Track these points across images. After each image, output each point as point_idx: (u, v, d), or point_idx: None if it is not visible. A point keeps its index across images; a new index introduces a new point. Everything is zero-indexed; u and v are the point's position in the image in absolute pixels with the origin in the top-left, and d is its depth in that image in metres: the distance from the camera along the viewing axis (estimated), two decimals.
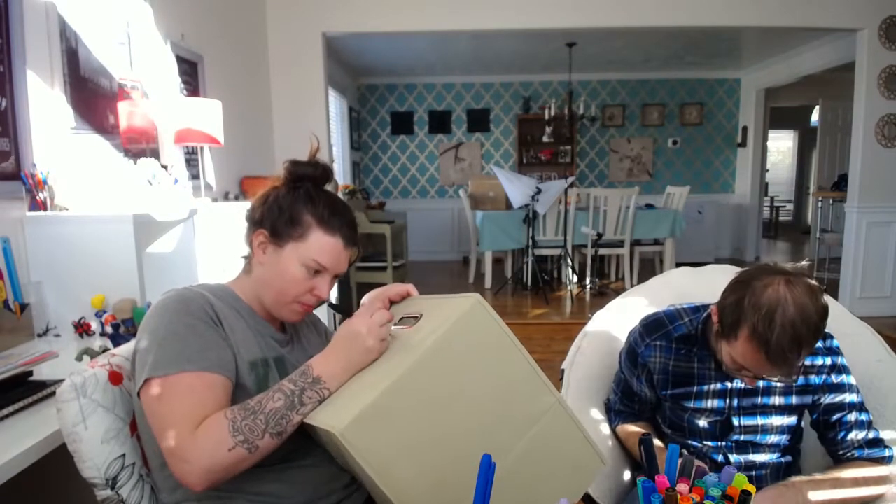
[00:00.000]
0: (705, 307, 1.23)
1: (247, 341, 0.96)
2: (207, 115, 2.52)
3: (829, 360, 1.16)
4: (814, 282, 1.01)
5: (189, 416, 0.82)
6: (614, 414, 1.33)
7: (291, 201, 0.98)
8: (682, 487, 0.73)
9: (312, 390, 0.85)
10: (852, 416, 1.14)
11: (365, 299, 1.03)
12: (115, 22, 2.26)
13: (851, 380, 1.16)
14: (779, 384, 1.15)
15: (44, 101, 1.83)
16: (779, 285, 0.99)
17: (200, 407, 0.83)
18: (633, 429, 1.29)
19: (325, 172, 1.03)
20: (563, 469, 0.91)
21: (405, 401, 0.81)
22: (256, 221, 1.00)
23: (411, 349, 0.85)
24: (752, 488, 0.74)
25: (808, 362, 1.15)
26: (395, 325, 0.93)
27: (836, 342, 1.18)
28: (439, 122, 7.36)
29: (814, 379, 1.16)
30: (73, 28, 1.99)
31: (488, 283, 5.40)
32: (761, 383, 1.16)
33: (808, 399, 1.17)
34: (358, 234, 1.04)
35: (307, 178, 1.01)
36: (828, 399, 1.16)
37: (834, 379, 1.16)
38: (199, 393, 0.84)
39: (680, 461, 0.83)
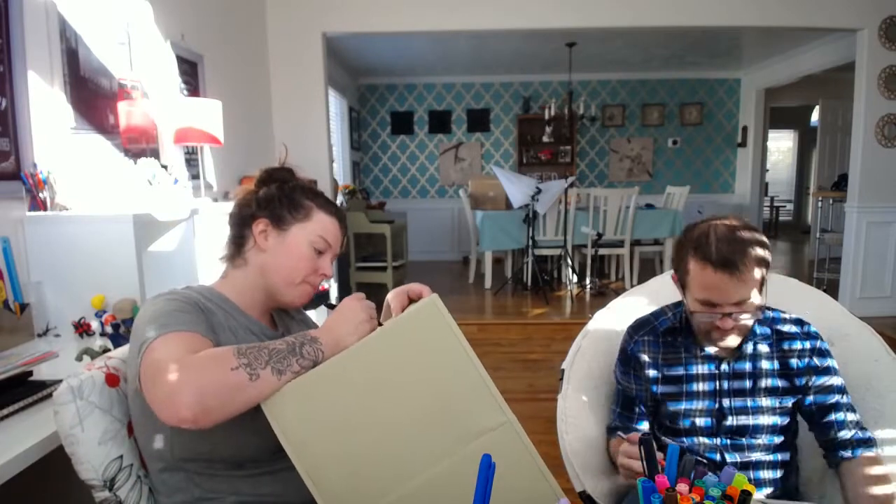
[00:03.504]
0: None
1: (238, 335, 0.97)
2: (207, 114, 2.52)
3: (808, 344, 1.18)
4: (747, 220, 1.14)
5: (176, 355, 0.78)
6: (610, 431, 1.30)
7: (288, 191, 1.05)
8: (682, 487, 0.73)
9: (311, 346, 0.86)
10: (842, 415, 1.17)
11: (389, 297, 1.03)
12: (115, 22, 2.26)
13: (838, 380, 1.18)
14: (765, 383, 1.16)
15: (44, 101, 1.83)
16: (709, 221, 1.13)
17: (197, 344, 0.83)
18: (621, 437, 1.26)
19: (295, 175, 1.13)
20: (507, 495, 0.84)
21: (335, 383, 0.83)
22: (251, 215, 1.04)
23: (365, 339, 0.88)
24: (752, 488, 0.74)
25: (785, 347, 1.18)
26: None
27: (813, 328, 1.20)
28: (439, 122, 7.36)
29: (795, 362, 1.17)
30: (73, 28, 1.99)
31: (488, 283, 5.40)
32: (748, 382, 1.16)
33: (797, 382, 1.18)
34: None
35: (284, 180, 1.08)
36: (813, 398, 1.17)
37: (818, 362, 1.17)
38: (190, 340, 0.84)
39: (680, 461, 0.83)
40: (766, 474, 1.19)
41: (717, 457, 1.19)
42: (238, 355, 0.79)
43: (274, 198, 1.04)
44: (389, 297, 1.03)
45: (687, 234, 1.14)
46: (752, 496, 0.74)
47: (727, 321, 1.09)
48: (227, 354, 0.79)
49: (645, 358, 1.24)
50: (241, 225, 1.05)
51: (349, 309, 0.91)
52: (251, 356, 0.80)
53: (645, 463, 0.84)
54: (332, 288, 3.40)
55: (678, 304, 1.26)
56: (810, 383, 1.17)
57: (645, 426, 1.28)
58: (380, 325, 0.95)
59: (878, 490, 1.08)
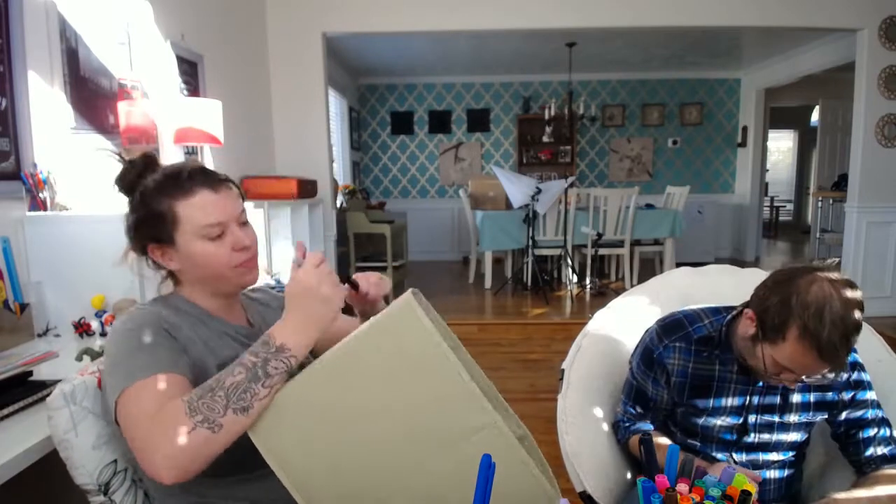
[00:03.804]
0: (727, 309, 1.21)
1: (210, 344, 0.94)
2: (207, 114, 2.52)
3: (845, 375, 1.15)
4: (849, 277, 1.03)
5: (147, 411, 0.78)
6: (624, 428, 1.28)
7: (142, 207, 0.94)
8: (682, 487, 0.73)
9: (277, 360, 0.80)
10: (872, 431, 1.14)
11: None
12: (115, 22, 2.26)
13: (871, 395, 1.15)
14: (797, 398, 1.15)
15: (44, 101, 1.83)
16: (823, 282, 1.00)
17: (157, 401, 0.79)
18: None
19: (145, 160, 0.99)
20: (500, 497, 0.83)
21: (316, 394, 0.81)
22: (141, 247, 0.97)
23: (338, 345, 0.84)
24: (752, 488, 0.74)
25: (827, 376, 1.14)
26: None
27: (857, 356, 1.16)
28: (439, 122, 7.36)
29: (831, 395, 1.15)
30: (73, 28, 1.99)
31: (488, 283, 5.40)
32: (779, 399, 1.15)
33: (830, 397, 1.16)
34: (217, 173, 0.97)
35: (131, 187, 0.97)
36: (845, 414, 1.15)
37: (852, 395, 1.15)
38: (153, 391, 0.81)
39: (680, 461, 0.83)
40: (772, 474, 1.19)
41: (726, 459, 1.19)
42: (191, 413, 0.75)
43: (138, 223, 0.95)
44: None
45: (799, 297, 0.99)
46: (752, 496, 0.74)
47: (796, 383, 1.07)
48: (179, 417, 0.75)
49: (674, 365, 1.20)
50: (144, 256, 0.98)
51: (306, 289, 0.83)
52: (205, 408, 0.76)
53: (645, 463, 0.84)
54: None
55: (716, 312, 1.22)
56: (843, 397, 1.15)
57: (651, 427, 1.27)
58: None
59: None
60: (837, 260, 1.06)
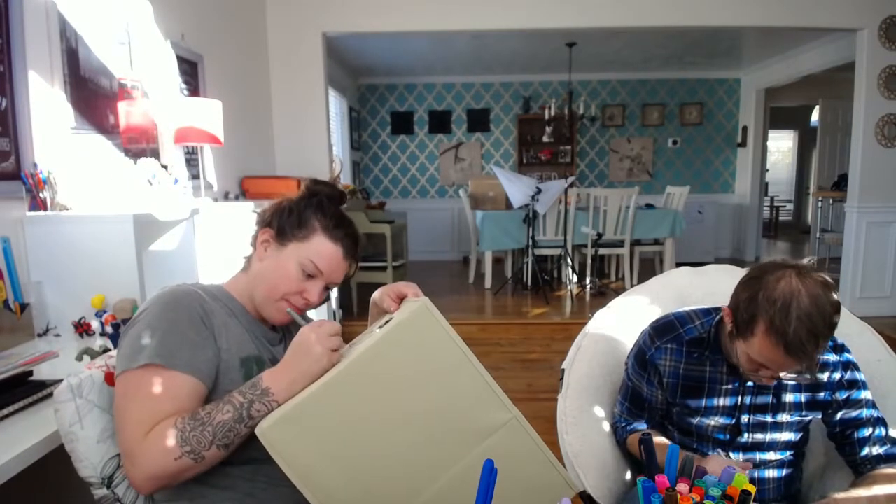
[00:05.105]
0: (717, 310, 1.21)
1: (239, 338, 0.98)
2: (207, 114, 2.52)
3: (838, 357, 1.15)
4: (824, 275, 1.01)
5: (143, 420, 0.83)
6: (621, 428, 1.29)
7: (303, 207, 1.03)
8: (682, 487, 0.73)
9: (261, 402, 0.84)
10: (868, 431, 1.13)
11: (375, 297, 1.04)
12: (115, 22, 2.26)
13: (866, 395, 1.15)
14: (789, 398, 1.15)
15: (44, 101, 1.83)
16: (791, 278, 0.99)
17: (157, 411, 0.84)
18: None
19: (341, 194, 1.08)
20: (521, 491, 0.86)
21: (335, 405, 0.80)
22: (265, 222, 1.05)
23: (351, 354, 0.84)
24: (752, 488, 0.74)
25: (818, 376, 1.13)
26: (379, 327, 0.91)
27: (850, 356, 1.16)
28: (439, 122, 7.36)
29: (823, 377, 1.14)
30: (73, 28, 1.99)
31: (488, 283, 5.40)
32: (771, 398, 1.15)
33: (819, 414, 1.16)
34: (359, 250, 1.07)
35: (315, 194, 1.06)
36: (840, 415, 1.15)
37: (846, 396, 1.14)
38: (159, 395, 0.85)
39: (680, 461, 0.83)
40: (771, 473, 1.19)
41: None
42: (182, 443, 0.81)
43: (285, 211, 1.03)
44: (375, 297, 1.04)
45: (766, 290, 1.00)
46: (752, 496, 0.74)
47: (773, 380, 1.07)
48: (171, 444, 0.81)
49: (665, 366, 1.21)
50: (256, 230, 1.07)
51: (302, 344, 0.87)
52: (194, 441, 0.82)
53: (645, 463, 0.84)
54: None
55: (707, 313, 1.23)
56: (837, 397, 1.14)
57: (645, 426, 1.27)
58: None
59: None
60: (815, 259, 1.05)
